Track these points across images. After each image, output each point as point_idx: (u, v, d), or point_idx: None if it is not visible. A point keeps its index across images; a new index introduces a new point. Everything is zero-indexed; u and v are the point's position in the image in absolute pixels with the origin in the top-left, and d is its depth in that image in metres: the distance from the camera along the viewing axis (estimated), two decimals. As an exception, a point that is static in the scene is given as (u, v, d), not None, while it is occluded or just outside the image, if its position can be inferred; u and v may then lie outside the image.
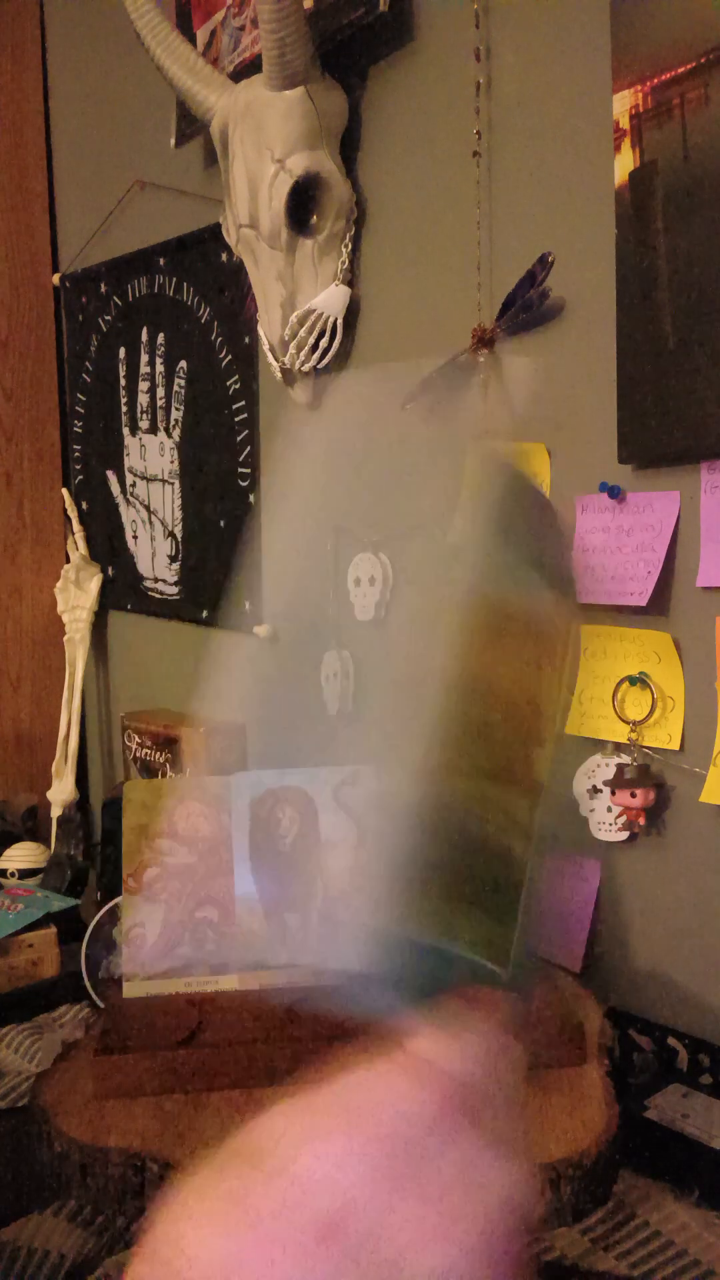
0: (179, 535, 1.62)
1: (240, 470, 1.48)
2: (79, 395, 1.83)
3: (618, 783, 1.00)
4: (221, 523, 1.53)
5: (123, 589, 1.77)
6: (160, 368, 1.62)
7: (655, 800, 1.00)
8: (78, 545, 1.83)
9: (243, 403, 1.46)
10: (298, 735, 1.23)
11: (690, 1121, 0.89)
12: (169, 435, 1.62)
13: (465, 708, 0.39)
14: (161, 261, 1.58)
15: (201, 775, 1.37)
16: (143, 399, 1.66)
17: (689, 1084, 0.94)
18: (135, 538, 1.72)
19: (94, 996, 1.15)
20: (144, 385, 1.66)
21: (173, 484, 1.62)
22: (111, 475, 1.76)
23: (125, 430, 1.71)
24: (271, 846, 1.02)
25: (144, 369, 1.65)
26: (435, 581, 0.43)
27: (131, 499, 1.72)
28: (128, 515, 1.74)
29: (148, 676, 1.76)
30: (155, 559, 1.68)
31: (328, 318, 1.25)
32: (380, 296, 1.26)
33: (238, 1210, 0.30)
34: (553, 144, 1.05)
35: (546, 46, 1.05)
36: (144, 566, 1.71)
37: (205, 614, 1.59)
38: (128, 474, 1.72)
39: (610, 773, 1.01)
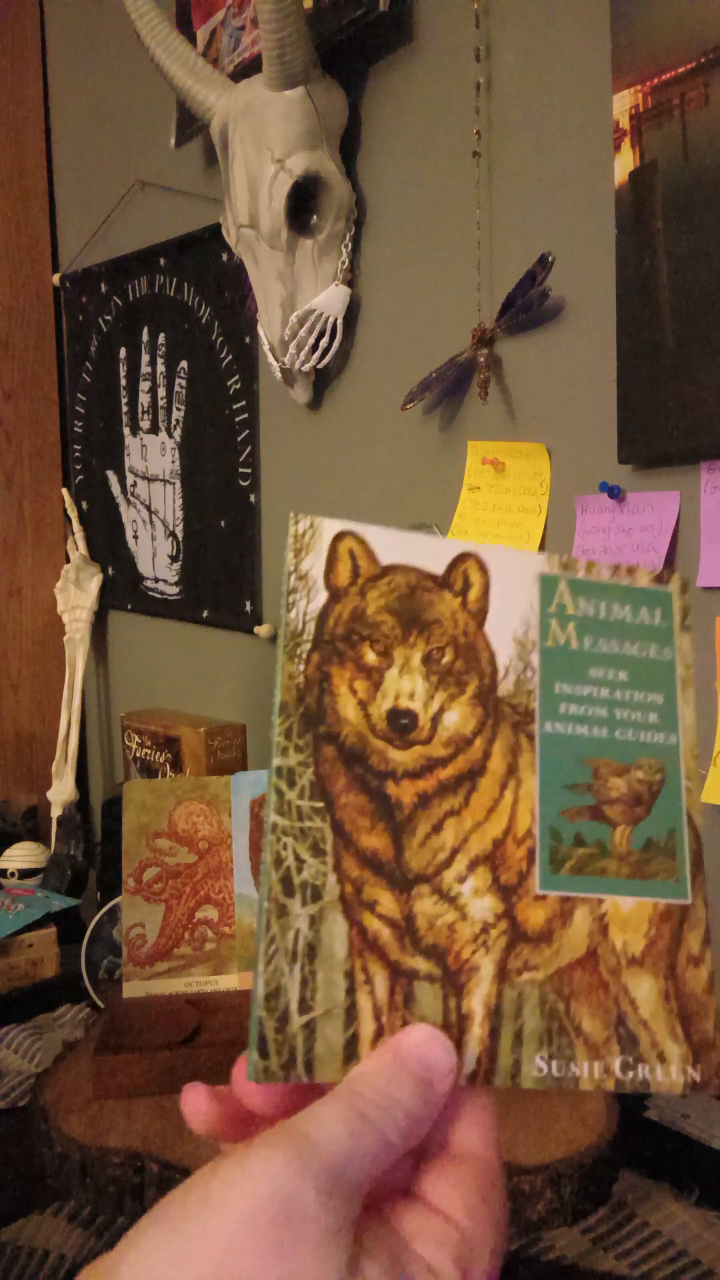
0: (179, 535, 1.62)
1: (240, 470, 1.48)
2: (79, 395, 1.83)
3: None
4: (222, 523, 1.53)
5: (123, 589, 1.77)
6: (161, 368, 1.62)
7: (655, 800, 1.00)
8: (78, 545, 1.83)
9: (243, 403, 1.46)
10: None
11: (690, 1121, 0.89)
12: (169, 435, 1.62)
13: None
14: (161, 261, 1.58)
15: (201, 775, 1.37)
16: (143, 399, 1.66)
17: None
18: (135, 538, 1.72)
19: (94, 996, 1.15)
20: (144, 385, 1.66)
21: (173, 484, 1.62)
22: (112, 475, 1.76)
23: (126, 430, 1.71)
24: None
25: (144, 369, 1.65)
26: None
27: (132, 499, 1.72)
28: (128, 515, 1.74)
29: (148, 676, 1.76)
30: (156, 559, 1.68)
31: (328, 318, 1.25)
32: (380, 296, 1.26)
33: None
34: (553, 144, 1.05)
35: (546, 46, 1.05)
36: (144, 566, 1.71)
37: (205, 614, 1.59)
38: (128, 474, 1.72)
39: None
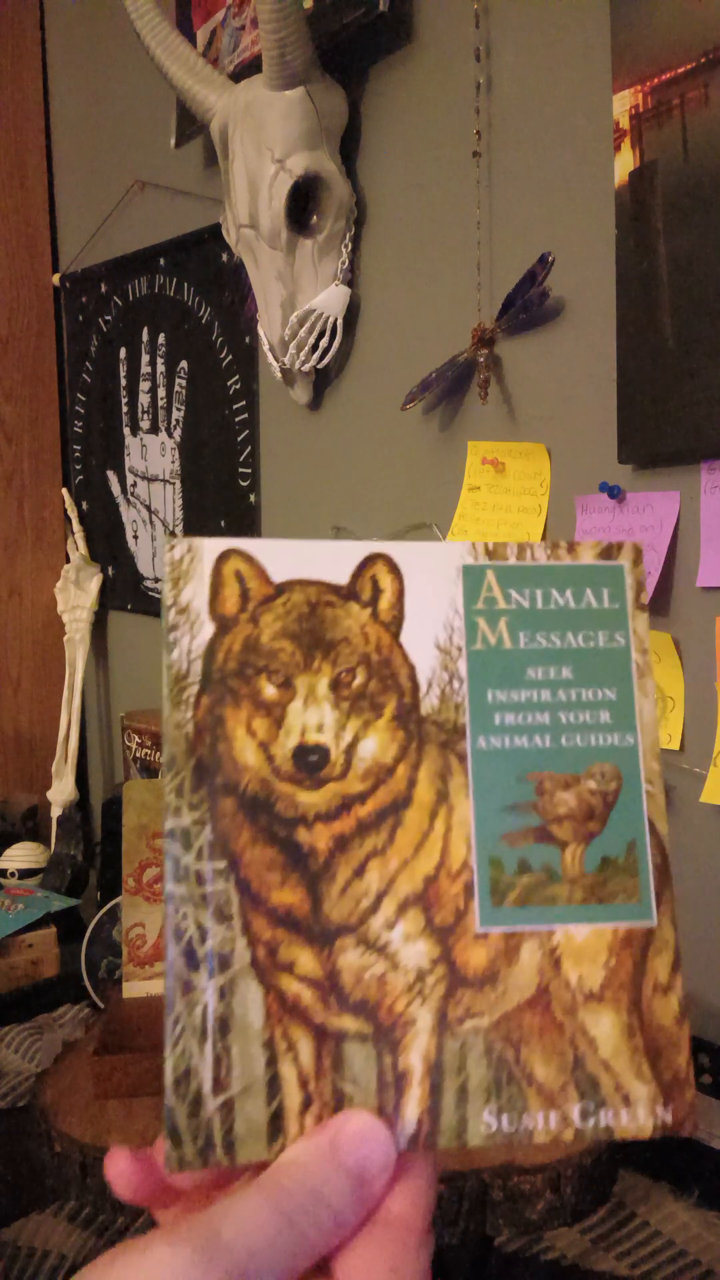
0: (180, 535, 1.62)
1: (240, 470, 1.48)
2: (79, 395, 1.83)
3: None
4: (222, 523, 1.53)
5: (123, 589, 1.77)
6: (161, 368, 1.62)
7: (655, 800, 1.00)
8: (78, 545, 1.83)
9: (243, 403, 1.46)
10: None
11: (690, 1121, 0.89)
12: (169, 435, 1.62)
13: None
14: (161, 261, 1.58)
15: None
16: (143, 399, 1.66)
17: (689, 1084, 0.94)
18: (135, 537, 1.72)
19: (94, 996, 1.15)
20: (144, 385, 1.66)
21: (173, 484, 1.62)
22: (112, 475, 1.76)
23: (126, 430, 1.71)
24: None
25: (144, 369, 1.65)
26: None
27: (132, 499, 1.72)
28: (128, 515, 1.74)
29: (148, 676, 1.76)
30: (155, 559, 1.68)
31: (328, 318, 1.25)
32: (380, 296, 1.26)
33: None
34: (553, 144, 1.05)
35: (546, 46, 1.05)
36: (144, 566, 1.71)
37: (205, 614, 1.59)
38: (128, 474, 1.72)
39: (610, 773, 1.01)
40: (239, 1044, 0.32)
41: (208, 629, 0.34)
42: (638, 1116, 0.33)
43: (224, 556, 0.34)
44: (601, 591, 0.36)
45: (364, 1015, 0.32)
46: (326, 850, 0.33)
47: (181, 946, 0.32)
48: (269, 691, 0.34)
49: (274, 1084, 0.32)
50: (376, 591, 0.35)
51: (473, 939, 0.33)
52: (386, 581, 0.35)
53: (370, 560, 0.35)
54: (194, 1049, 0.31)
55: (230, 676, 0.33)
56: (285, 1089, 0.32)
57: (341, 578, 0.34)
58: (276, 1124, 0.31)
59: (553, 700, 0.35)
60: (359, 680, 0.34)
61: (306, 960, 0.32)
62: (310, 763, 0.33)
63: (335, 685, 0.34)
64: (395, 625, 0.35)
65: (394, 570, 0.35)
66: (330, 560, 0.35)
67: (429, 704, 0.34)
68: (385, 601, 0.35)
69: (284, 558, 0.34)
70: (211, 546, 0.34)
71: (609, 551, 0.36)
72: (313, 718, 0.34)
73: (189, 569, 0.34)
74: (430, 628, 0.35)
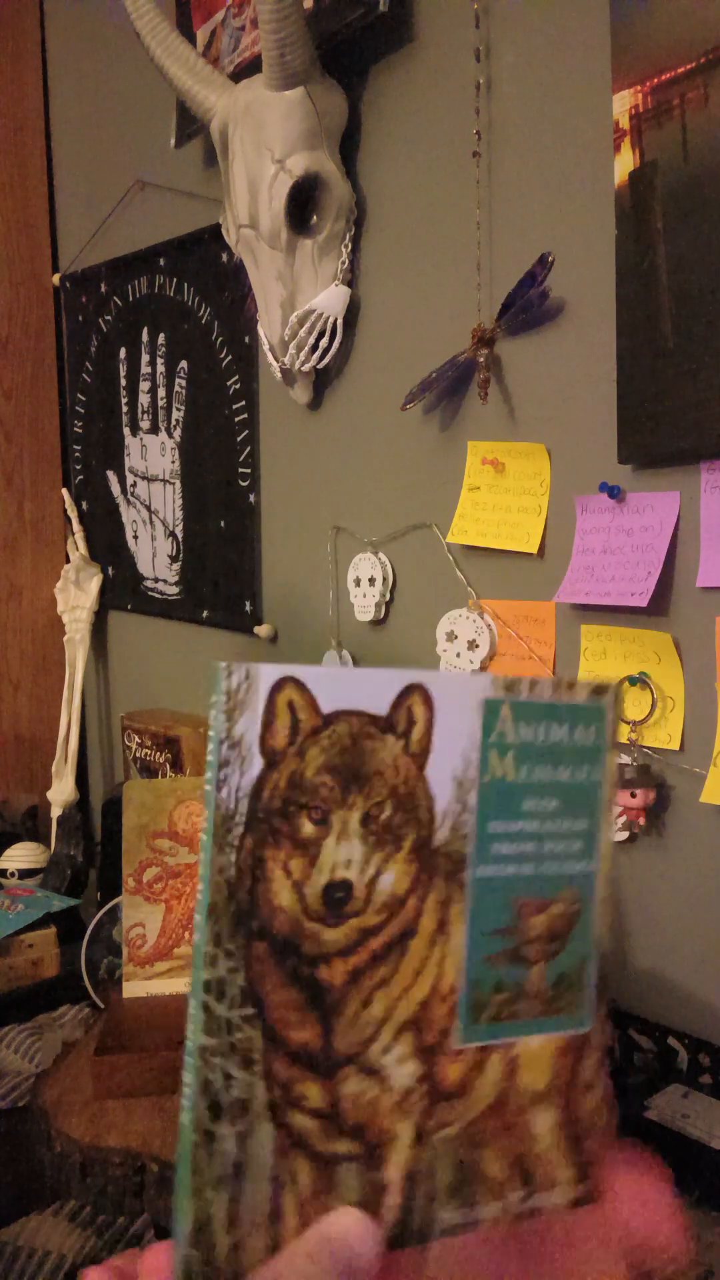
0: (179, 535, 1.62)
1: (240, 470, 1.48)
2: (79, 395, 1.83)
3: (618, 783, 1.00)
4: (222, 523, 1.53)
5: (123, 589, 1.77)
6: (161, 368, 1.62)
7: (655, 800, 1.00)
8: (78, 545, 1.83)
9: (243, 403, 1.46)
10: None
11: (690, 1122, 0.89)
12: (169, 435, 1.62)
13: None
14: (161, 261, 1.58)
15: (201, 775, 1.37)
16: (143, 399, 1.66)
17: (689, 1084, 0.94)
18: (135, 538, 1.72)
19: (94, 996, 1.15)
20: (144, 385, 1.66)
21: (173, 484, 1.62)
22: (112, 475, 1.76)
23: (126, 430, 1.71)
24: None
25: (144, 369, 1.65)
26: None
27: (132, 499, 1.72)
28: (128, 515, 1.74)
29: (148, 676, 1.76)
30: (156, 559, 1.68)
31: (328, 318, 1.25)
32: (380, 296, 1.26)
33: None
34: (553, 144, 1.05)
35: (546, 46, 1.05)
36: (144, 566, 1.71)
37: (205, 614, 1.59)
38: (128, 474, 1.72)
39: (610, 773, 1.01)
40: (252, 1185, 0.32)
41: (257, 765, 0.32)
42: (561, 1195, 0.36)
43: (279, 686, 0.33)
44: (589, 728, 0.37)
45: (356, 1137, 0.33)
46: (342, 984, 0.33)
47: (208, 1100, 0.32)
48: (308, 829, 0.33)
49: (276, 1214, 0.32)
50: (410, 723, 0.34)
51: (451, 1055, 0.35)
52: (420, 713, 0.34)
53: (409, 691, 0.34)
54: (212, 1197, 0.32)
55: (274, 815, 0.32)
56: (285, 1217, 0.32)
57: (382, 708, 0.34)
58: (275, 1246, 0.32)
59: (539, 830, 0.36)
60: (386, 814, 0.34)
61: (314, 1094, 0.33)
62: (337, 899, 0.33)
63: (366, 819, 0.34)
64: (423, 757, 0.34)
65: (428, 702, 0.35)
66: (373, 690, 0.34)
67: (441, 835, 0.35)
68: (417, 733, 0.34)
69: (333, 686, 0.33)
70: (268, 674, 0.32)
71: (600, 689, 0.37)
72: (343, 853, 0.33)
73: (245, 699, 0.32)
74: (451, 760, 0.35)
